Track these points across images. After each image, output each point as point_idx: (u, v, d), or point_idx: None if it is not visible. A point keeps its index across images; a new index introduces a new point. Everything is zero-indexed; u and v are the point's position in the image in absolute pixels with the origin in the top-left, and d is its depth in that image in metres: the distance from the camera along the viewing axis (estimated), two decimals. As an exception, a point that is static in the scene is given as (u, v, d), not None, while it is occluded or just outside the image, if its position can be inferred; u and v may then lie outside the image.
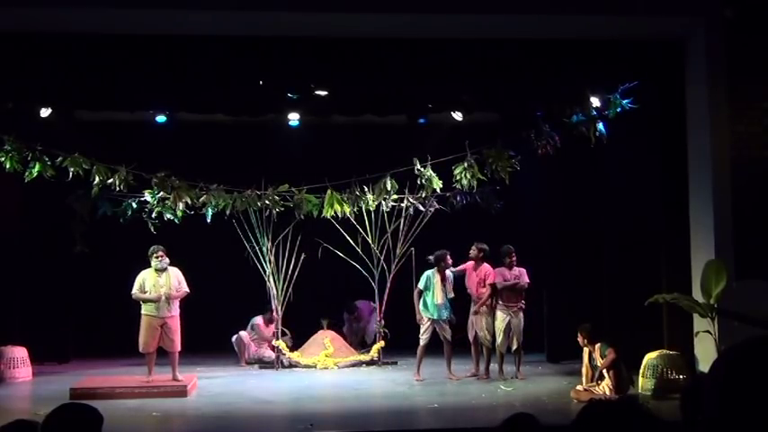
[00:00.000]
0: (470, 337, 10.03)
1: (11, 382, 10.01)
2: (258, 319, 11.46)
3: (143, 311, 9.27)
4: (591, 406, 2.10)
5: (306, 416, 7.84)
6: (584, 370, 8.71)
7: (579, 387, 8.62)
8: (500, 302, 9.88)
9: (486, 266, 10.01)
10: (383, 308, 11.16)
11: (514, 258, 9.97)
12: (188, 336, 9.62)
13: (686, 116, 9.17)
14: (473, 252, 10.07)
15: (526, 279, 9.93)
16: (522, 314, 9.86)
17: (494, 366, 9.96)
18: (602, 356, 8.42)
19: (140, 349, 9.27)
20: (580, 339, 8.65)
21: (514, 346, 9.82)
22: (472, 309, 10.02)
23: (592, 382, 8.55)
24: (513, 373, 9.85)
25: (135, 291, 9.28)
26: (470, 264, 10.13)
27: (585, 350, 8.66)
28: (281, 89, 9.53)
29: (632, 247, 9.95)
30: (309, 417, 7.77)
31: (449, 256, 10.06)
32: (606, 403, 2.22)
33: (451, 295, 10.04)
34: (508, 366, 9.93)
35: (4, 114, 9.76)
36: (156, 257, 9.31)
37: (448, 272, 10.02)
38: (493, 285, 9.85)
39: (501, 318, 9.85)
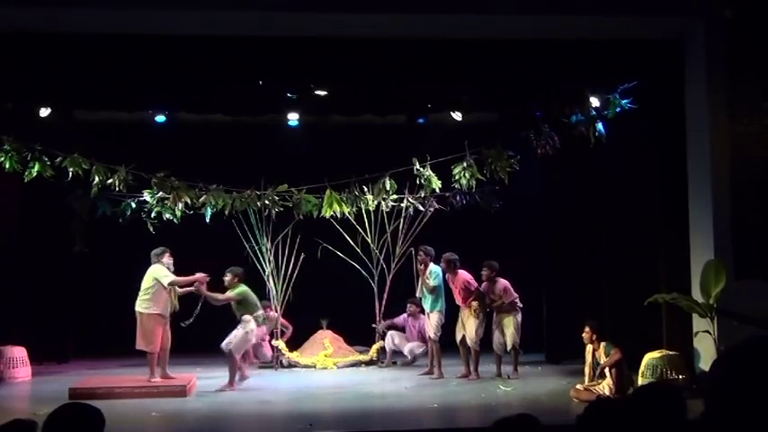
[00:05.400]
0: (458, 339, 10.05)
1: (10, 382, 10.00)
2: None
3: (155, 311, 9.18)
4: (596, 404, 2.11)
5: (305, 416, 7.84)
6: (587, 369, 8.66)
7: (579, 386, 8.59)
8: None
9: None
10: (383, 308, 11.17)
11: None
12: (187, 336, 9.62)
13: (686, 116, 9.16)
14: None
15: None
16: (513, 315, 9.87)
17: (491, 367, 9.98)
18: (606, 355, 8.39)
19: (151, 349, 9.17)
20: (587, 335, 8.55)
21: (509, 346, 9.84)
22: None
23: (593, 380, 8.54)
24: (508, 373, 9.83)
25: (172, 279, 9.24)
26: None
27: (589, 348, 8.61)
28: (281, 89, 9.53)
29: (632, 248, 9.94)
30: (309, 417, 7.77)
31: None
32: (611, 401, 2.23)
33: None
34: (505, 366, 9.93)
35: (4, 114, 9.76)
36: (169, 257, 9.38)
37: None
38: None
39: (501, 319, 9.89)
